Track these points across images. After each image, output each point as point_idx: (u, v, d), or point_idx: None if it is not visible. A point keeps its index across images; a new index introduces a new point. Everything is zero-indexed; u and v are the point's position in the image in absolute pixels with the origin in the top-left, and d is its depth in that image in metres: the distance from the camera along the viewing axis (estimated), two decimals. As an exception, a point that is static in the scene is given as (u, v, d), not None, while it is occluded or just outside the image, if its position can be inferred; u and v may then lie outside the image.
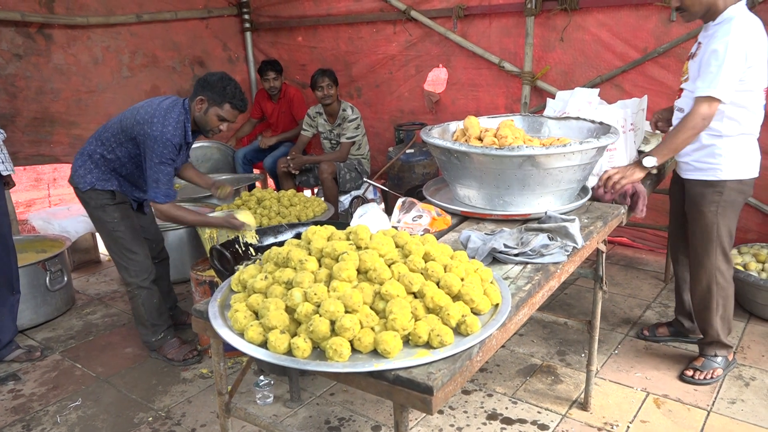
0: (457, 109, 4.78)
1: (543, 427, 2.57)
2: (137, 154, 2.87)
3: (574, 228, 1.87)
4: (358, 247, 1.55)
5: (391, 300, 1.38)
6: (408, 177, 4.65)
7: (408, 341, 1.36)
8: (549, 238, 1.86)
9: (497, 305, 1.52)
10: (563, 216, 1.94)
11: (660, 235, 4.24)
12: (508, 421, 2.61)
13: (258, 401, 2.78)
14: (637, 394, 2.77)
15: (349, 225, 2.21)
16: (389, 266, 1.51)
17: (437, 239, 2.07)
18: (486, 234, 1.93)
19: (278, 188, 4.88)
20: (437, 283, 1.51)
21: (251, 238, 2.88)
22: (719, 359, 2.85)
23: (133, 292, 3.09)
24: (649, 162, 2.42)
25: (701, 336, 2.95)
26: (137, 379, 3.05)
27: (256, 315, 1.44)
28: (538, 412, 2.66)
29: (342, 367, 1.26)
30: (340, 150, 4.62)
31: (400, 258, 1.57)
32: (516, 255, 1.82)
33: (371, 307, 1.41)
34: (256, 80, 5.84)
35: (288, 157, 4.61)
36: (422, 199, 2.49)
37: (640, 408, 2.67)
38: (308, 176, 4.79)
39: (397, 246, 1.63)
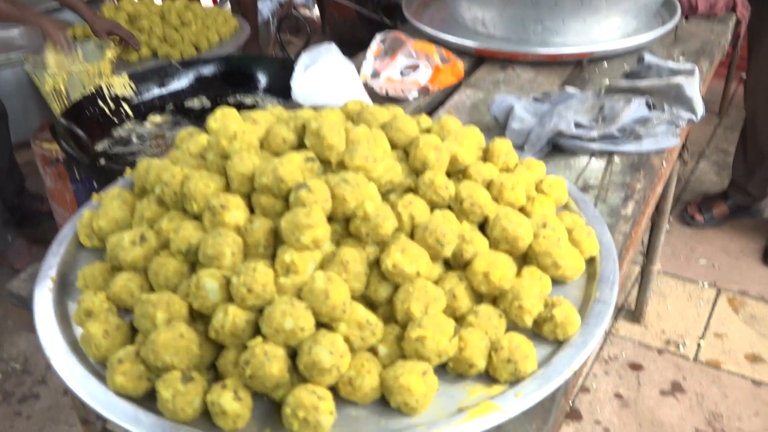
0: None
1: (581, 353, 2.21)
2: None
3: (691, 86, 1.31)
4: (324, 162, 0.97)
5: (406, 286, 0.84)
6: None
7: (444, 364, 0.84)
8: (648, 105, 1.31)
9: (592, 258, 1.01)
10: (672, 64, 1.37)
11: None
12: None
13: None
14: (704, 293, 2.43)
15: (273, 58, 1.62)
16: (389, 200, 0.95)
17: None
18: (535, 100, 1.36)
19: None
20: (480, 226, 0.97)
21: (122, 87, 2.26)
22: None
23: None
24: None
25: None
26: (-28, 312, 2.51)
27: (131, 319, 0.88)
28: (572, 331, 2.30)
29: (322, 454, 0.74)
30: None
31: (406, 176, 1.00)
32: (594, 140, 1.28)
33: (365, 297, 0.87)
34: None
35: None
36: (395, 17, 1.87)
37: (711, 314, 2.34)
38: (205, -27, 3.94)
39: (394, 146, 1.06)
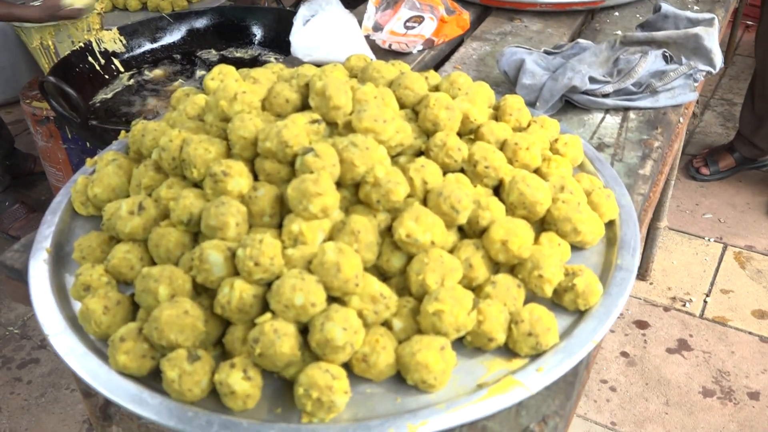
0: None
1: (586, 311, 2.20)
2: None
3: (710, 36, 1.26)
4: (330, 124, 0.93)
5: (421, 256, 0.80)
6: None
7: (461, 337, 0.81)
8: (665, 58, 1.26)
9: (611, 222, 0.97)
10: (690, 14, 1.31)
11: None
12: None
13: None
14: (710, 248, 2.41)
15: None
16: (399, 164, 0.91)
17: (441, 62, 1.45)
18: (547, 53, 1.31)
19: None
20: (495, 190, 0.94)
21: (112, 41, 2.20)
22: None
23: None
24: None
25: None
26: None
27: (131, 292, 0.84)
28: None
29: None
30: None
31: (416, 137, 0.96)
32: (608, 95, 1.23)
33: (376, 267, 0.83)
34: None
35: None
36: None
37: (717, 270, 2.32)
38: None
39: (402, 105, 1.01)
